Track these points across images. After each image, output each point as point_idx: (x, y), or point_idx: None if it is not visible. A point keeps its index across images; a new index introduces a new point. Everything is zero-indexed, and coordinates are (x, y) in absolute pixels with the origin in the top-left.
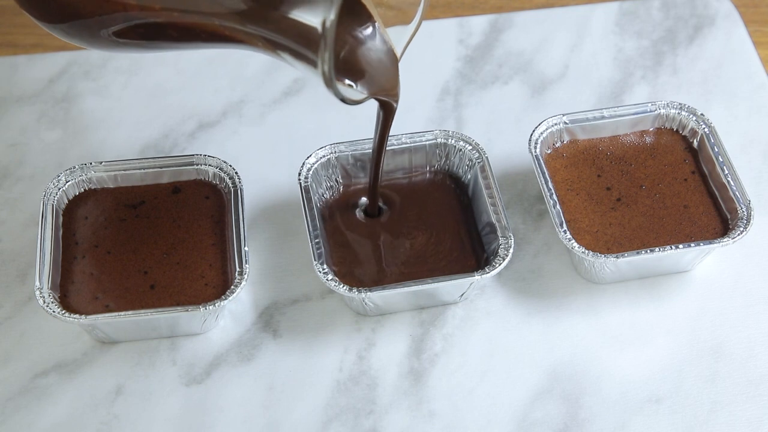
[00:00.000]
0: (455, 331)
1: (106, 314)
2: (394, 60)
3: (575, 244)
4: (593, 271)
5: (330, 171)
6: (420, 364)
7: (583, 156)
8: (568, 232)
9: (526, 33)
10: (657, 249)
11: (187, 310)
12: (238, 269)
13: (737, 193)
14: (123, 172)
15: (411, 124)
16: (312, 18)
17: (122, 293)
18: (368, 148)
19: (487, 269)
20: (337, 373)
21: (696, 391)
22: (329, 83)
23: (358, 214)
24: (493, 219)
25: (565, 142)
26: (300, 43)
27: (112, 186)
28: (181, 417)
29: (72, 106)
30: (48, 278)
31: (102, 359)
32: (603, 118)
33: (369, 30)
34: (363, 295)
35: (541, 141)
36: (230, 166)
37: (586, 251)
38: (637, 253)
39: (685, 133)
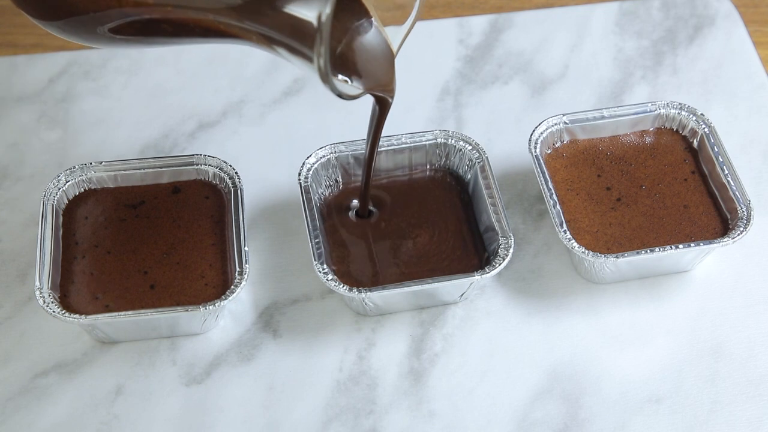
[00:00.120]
0: (455, 331)
1: (106, 314)
2: (390, 55)
3: (575, 244)
4: (593, 271)
5: (330, 171)
6: (420, 364)
7: (583, 156)
8: (568, 232)
9: (526, 33)
10: (657, 249)
11: (187, 310)
12: (238, 269)
13: (737, 193)
14: (123, 172)
15: (411, 124)
16: (307, 12)
17: (122, 293)
18: None
19: (487, 269)
20: (337, 373)
21: (696, 391)
22: (325, 78)
23: (358, 213)
24: (493, 219)
25: (565, 142)
26: (295, 38)
27: (112, 186)
28: (181, 417)
29: (72, 106)
30: (48, 278)
31: (102, 359)
32: (603, 118)
33: (365, 25)
34: (363, 295)
35: (541, 141)
36: (230, 166)
37: (586, 251)
38: (637, 253)
39: (685, 133)
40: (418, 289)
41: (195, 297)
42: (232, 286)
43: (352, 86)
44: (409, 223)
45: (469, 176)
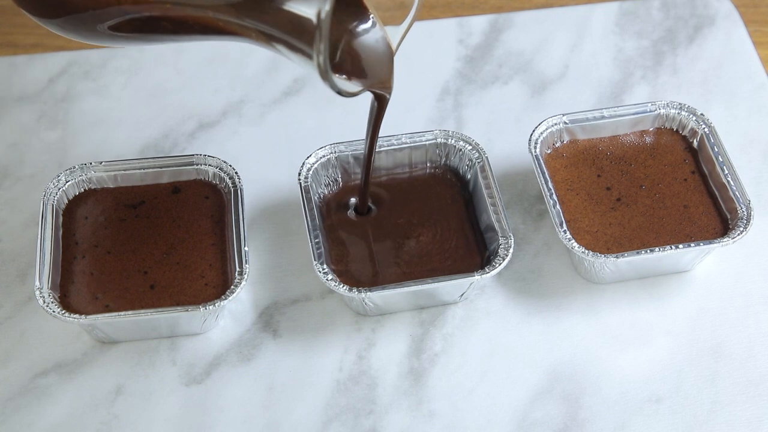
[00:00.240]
0: (455, 331)
1: (106, 314)
2: (389, 53)
3: (575, 244)
4: (593, 271)
5: (330, 171)
6: (420, 364)
7: (583, 156)
8: (568, 232)
9: (526, 33)
10: (657, 249)
11: (187, 310)
12: (238, 269)
13: (737, 193)
14: (123, 172)
15: (411, 124)
16: (307, 9)
17: (122, 293)
18: None
19: (487, 269)
20: (337, 373)
21: (696, 391)
22: (324, 75)
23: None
24: (493, 219)
25: (565, 142)
26: (295, 35)
27: (112, 186)
28: (181, 417)
29: (72, 106)
30: (48, 278)
31: (102, 359)
32: (603, 118)
33: (364, 22)
34: (363, 295)
35: (541, 141)
36: (230, 166)
37: (586, 251)
38: (637, 253)
39: (685, 133)
40: (418, 289)
41: (195, 297)
42: (232, 286)
43: (351, 83)
44: (410, 221)
45: (469, 176)
